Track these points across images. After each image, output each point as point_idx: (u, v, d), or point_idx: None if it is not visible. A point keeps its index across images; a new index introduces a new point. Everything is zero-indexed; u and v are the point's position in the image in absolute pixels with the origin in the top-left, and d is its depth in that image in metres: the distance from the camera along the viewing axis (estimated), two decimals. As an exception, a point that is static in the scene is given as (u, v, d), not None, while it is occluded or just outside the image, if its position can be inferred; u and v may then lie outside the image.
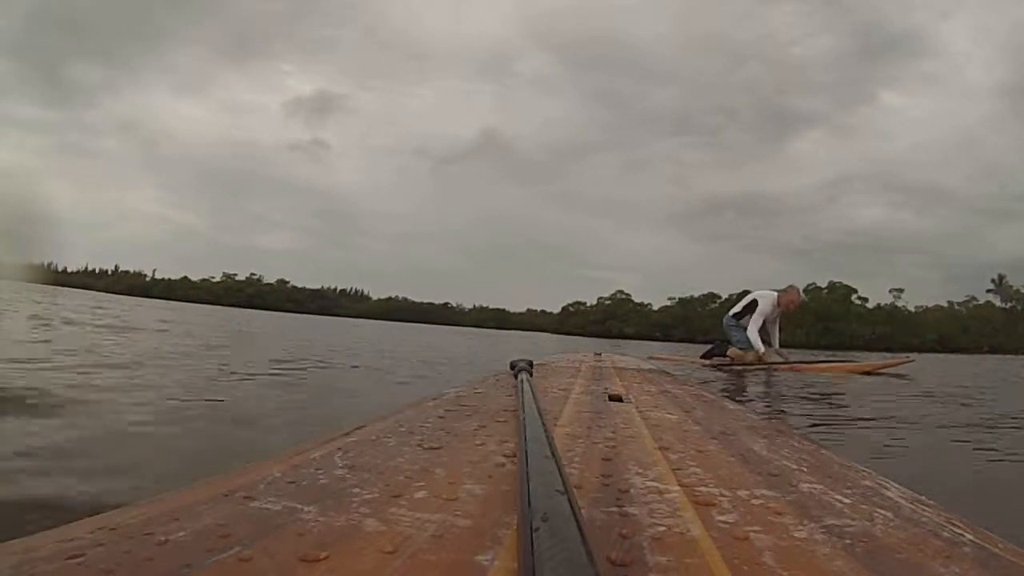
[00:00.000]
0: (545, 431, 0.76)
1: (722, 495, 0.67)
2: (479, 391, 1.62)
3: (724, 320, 7.13)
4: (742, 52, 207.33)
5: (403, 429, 0.99)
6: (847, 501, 0.66)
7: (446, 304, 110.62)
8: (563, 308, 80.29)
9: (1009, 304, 47.68)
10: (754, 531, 0.55)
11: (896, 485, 0.77)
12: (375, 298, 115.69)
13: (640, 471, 0.77)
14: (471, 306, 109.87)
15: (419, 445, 0.87)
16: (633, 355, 6.30)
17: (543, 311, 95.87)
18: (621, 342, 25.91)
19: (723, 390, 4.30)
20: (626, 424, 1.17)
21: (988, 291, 50.12)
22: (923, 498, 0.72)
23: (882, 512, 0.62)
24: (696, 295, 62.32)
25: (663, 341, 35.87)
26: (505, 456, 0.80)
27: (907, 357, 7.27)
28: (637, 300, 65.42)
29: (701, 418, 1.35)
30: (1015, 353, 26.66)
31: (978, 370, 10.34)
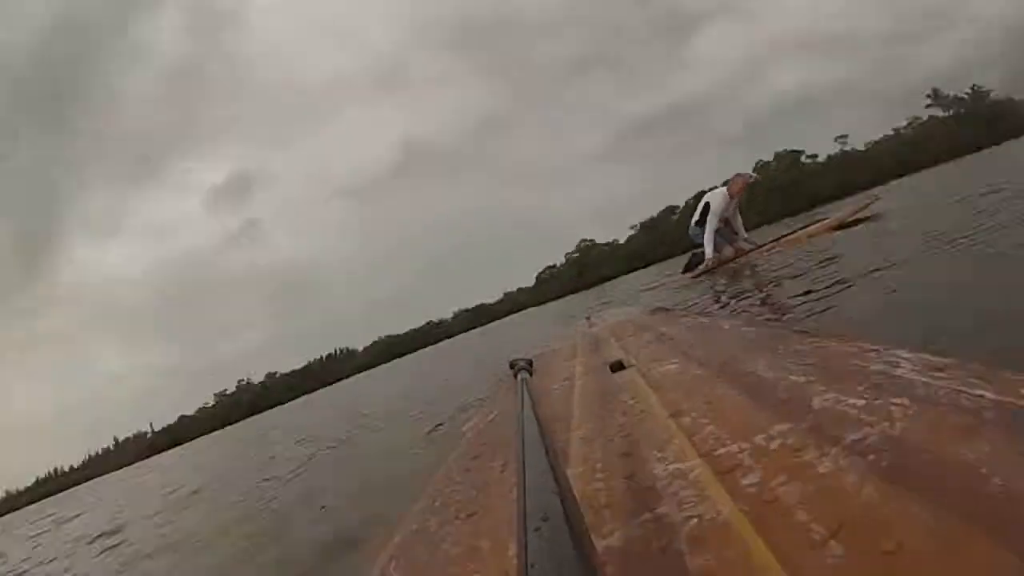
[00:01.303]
0: (541, 431, 0.73)
1: (741, 451, 0.66)
2: (491, 418, 1.60)
3: (690, 231, 7.25)
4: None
5: (438, 505, 0.98)
6: (861, 403, 0.65)
7: (428, 323, 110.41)
8: (537, 278, 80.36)
9: (951, 111, 48.89)
10: (781, 485, 0.54)
11: (904, 354, 0.76)
12: (361, 348, 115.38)
13: (660, 455, 0.76)
14: (452, 314, 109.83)
15: (456, 518, 0.85)
16: (620, 300, 6.33)
17: (519, 289, 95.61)
18: (605, 287, 25.94)
19: (717, 300, 4.37)
20: (634, 397, 1.16)
21: (927, 107, 51.35)
22: (935, 359, 0.71)
23: (897, 403, 0.62)
24: (655, 215, 62.90)
25: (643, 269, 35.99)
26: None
27: (871, 197, 7.40)
28: (602, 241, 65.79)
29: (702, 357, 1.34)
30: (972, 151, 27.61)
31: (940, 182, 10.57)
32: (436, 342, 53.37)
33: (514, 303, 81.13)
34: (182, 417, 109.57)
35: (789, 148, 50.76)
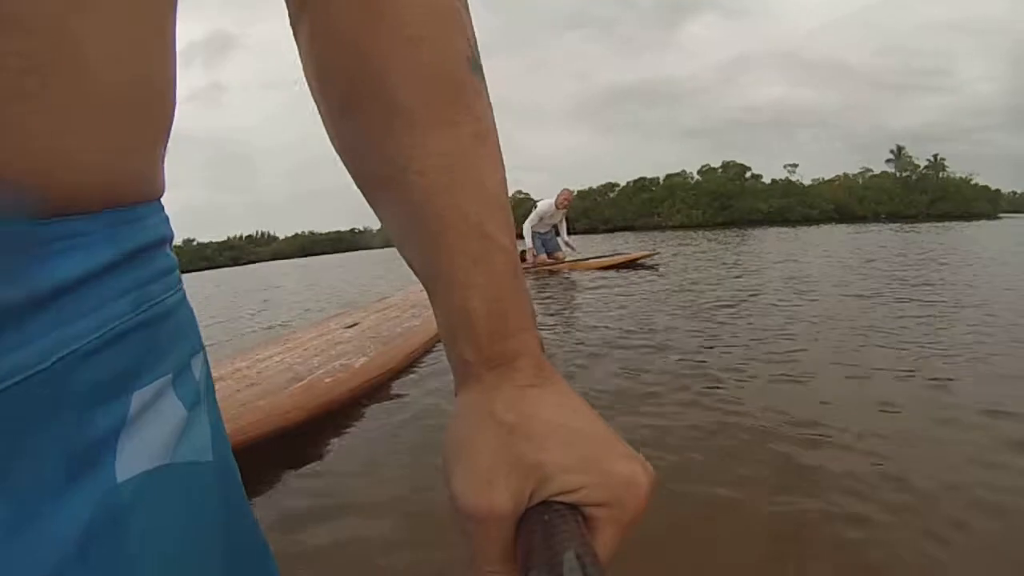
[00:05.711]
0: None
1: None
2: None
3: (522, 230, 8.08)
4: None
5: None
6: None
7: (353, 230, 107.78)
8: (468, 215, 79.67)
9: (904, 174, 47.22)
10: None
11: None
12: (282, 237, 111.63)
13: None
14: (378, 226, 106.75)
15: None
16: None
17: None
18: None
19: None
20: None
21: (887, 161, 50.84)
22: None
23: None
24: (594, 186, 63.12)
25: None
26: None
27: (652, 251, 8.15)
28: (536, 198, 65.47)
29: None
30: (910, 220, 27.66)
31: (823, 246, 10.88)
32: (353, 250, 52.71)
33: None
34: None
35: (738, 160, 51.31)
